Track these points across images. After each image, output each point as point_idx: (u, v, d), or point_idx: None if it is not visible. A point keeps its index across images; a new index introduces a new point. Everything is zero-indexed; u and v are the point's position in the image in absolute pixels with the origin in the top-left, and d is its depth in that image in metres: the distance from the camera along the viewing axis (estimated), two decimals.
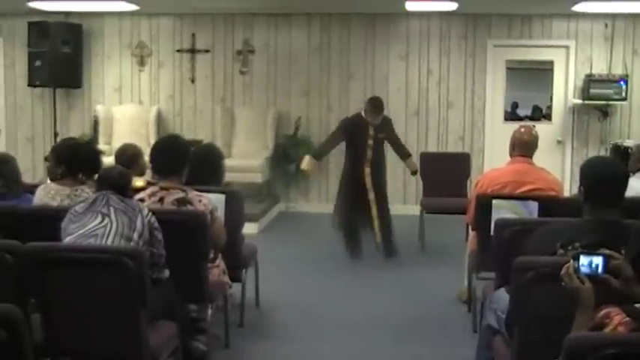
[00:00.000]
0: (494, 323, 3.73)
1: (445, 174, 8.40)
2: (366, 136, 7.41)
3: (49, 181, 4.71)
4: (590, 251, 2.58)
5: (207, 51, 10.29)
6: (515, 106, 10.20)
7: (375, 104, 7.50)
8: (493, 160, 9.23)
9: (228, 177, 7.95)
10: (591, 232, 3.08)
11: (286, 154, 9.91)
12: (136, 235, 3.67)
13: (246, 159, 9.59)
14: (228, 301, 4.91)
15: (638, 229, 2.30)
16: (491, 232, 4.46)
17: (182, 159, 4.47)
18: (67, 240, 3.66)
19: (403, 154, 7.92)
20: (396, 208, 9.72)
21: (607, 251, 2.58)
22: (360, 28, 10.07)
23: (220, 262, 4.70)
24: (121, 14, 10.23)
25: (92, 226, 3.65)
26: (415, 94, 10.06)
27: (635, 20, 9.73)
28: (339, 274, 6.93)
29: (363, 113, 7.55)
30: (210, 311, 4.58)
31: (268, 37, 10.21)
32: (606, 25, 9.72)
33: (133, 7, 9.63)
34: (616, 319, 2.27)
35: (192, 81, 10.35)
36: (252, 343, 5.04)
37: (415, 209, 8.58)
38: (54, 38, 9.66)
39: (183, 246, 4.09)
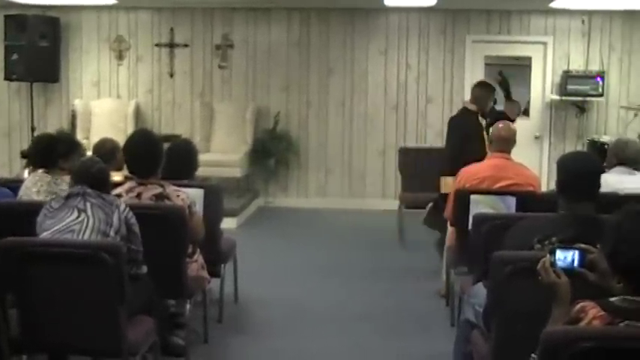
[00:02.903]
0: (472, 317, 3.75)
1: (424, 169, 8.41)
2: (480, 132, 6.47)
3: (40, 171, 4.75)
4: (567, 246, 2.60)
5: (186, 45, 10.24)
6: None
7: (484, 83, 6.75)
8: None
9: (208, 171, 7.99)
10: (567, 226, 3.11)
11: (265, 148, 9.90)
12: (112, 231, 3.66)
13: (225, 154, 9.58)
14: (207, 296, 4.91)
15: (614, 223, 2.32)
16: (470, 227, 4.49)
17: (157, 158, 4.42)
18: (44, 236, 3.64)
19: None
20: (374, 203, 9.82)
21: (583, 245, 2.60)
22: (340, 23, 10.07)
23: (199, 257, 4.68)
24: (99, 8, 10.17)
25: (68, 221, 3.63)
26: (394, 89, 10.08)
27: (612, 16, 9.81)
28: (317, 269, 6.94)
29: (468, 106, 6.72)
30: (188, 306, 4.58)
31: (247, 31, 10.18)
32: (583, 22, 9.79)
33: (111, 1, 9.58)
34: (591, 312, 2.29)
35: (171, 75, 10.30)
36: (231, 338, 5.04)
37: (394, 204, 8.61)
38: (31, 32, 9.58)
39: (162, 241, 4.07)
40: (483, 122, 6.61)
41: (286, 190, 10.26)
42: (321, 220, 9.28)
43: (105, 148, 5.27)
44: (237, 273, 5.72)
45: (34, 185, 4.57)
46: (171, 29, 10.23)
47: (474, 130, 6.56)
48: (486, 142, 6.25)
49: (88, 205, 3.67)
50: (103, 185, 3.84)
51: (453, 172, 5.58)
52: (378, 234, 8.40)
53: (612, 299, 2.31)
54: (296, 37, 10.13)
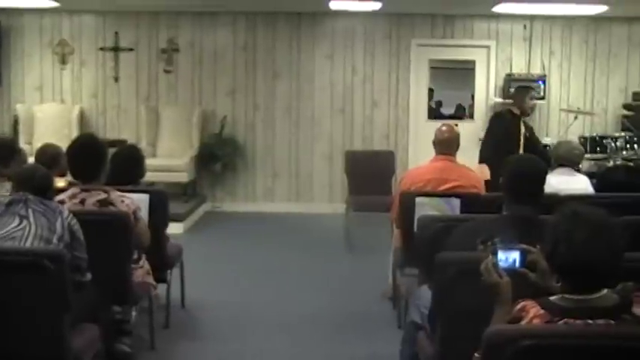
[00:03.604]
0: (418, 319, 3.78)
1: (371, 172, 8.49)
2: (517, 134, 7.05)
3: None
4: (508, 246, 2.64)
5: (130, 49, 10.14)
6: (439, 104, 10.36)
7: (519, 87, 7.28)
8: (418, 157, 9.36)
9: (154, 176, 7.93)
10: (509, 227, 3.17)
11: (212, 153, 9.86)
12: (55, 238, 3.61)
13: (171, 158, 9.51)
14: (153, 302, 4.86)
15: (553, 224, 2.37)
16: (415, 229, 4.54)
17: (100, 162, 4.37)
18: None
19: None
20: (321, 207, 9.86)
21: (524, 246, 2.65)
22: (286, 27, 10.09)
23: (144, 263, 4.64)
24: (41, 11, 10.00)
25: (10, 228, 3.57)
26: (340, 92, 10.13)
27: (552, 22, 10.01)
28: (265, 273, 6.94)
29: (513, 109, 7.27)
30: (134, 313, 4.54)
31: (193, 35, 10.13)
32: (525, 27, 9.97)
33: (53, 4, 9.43)
34: (532, 311, 2.33)
35: (116, 80, 10.19)
36: (178, 344, 5.01)
37: (341, 207, 8.65)
38: None
39: (107, 247, 4.03)
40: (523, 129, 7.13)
41: (233, 194, 10.23)
42: (268, 224, 9.27)
43: (47, 154, 5.19)
44: (184, 278, 5.69)
45: None
46: (116, 33, 10.12)
47: (510, 131, 7.07)
48: (521, 145, 6.91)
49: (30, 211, 3.62)
50: (46, 191, 3.79)
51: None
52: (326, 237, 8.43)
53: (552, 298, 2.37)
54: (242, 41, 10.11)
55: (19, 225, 3.58)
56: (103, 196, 4.28)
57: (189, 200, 9.48)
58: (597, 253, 2.26)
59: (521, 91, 7.51)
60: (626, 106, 9.97)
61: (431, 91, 10.25)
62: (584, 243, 2.26)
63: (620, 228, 2.34)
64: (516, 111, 7.24)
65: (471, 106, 10.29)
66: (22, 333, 3.41)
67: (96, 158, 4.37)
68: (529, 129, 7.39)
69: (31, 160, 5.43)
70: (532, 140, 7.32)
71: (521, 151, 6.99)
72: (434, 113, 10.21)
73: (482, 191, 5.36)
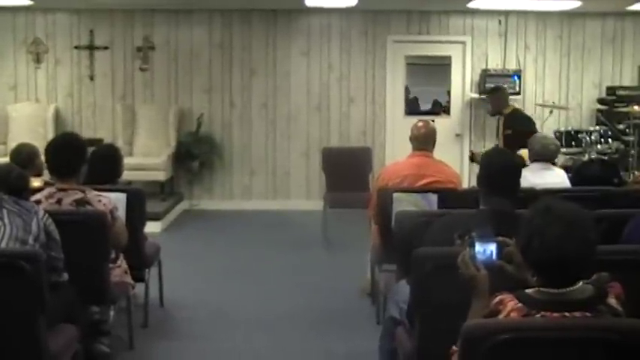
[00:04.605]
0: (397, 314, 3.80)
1: (348, 168, 8.50)
2: (498, 133, 7.37)
3: None
4: (485, 239, 2.65)
5: (106, 48, 10.07)
6: (416, 100, 10.39)
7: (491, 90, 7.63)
8: (395, 153, 9.38)
9: (131, 175, 7.89)
10: (486, 221, 3.18)
11: (189, 151, 9.82)
12: (31, 239, 3.58)
13: (148, 157, 9.47)
14: (132, 302, 4.85)
15: (527, 219, 2.39)
16: (392, 225, 4.55)
17: (79, 158, 4.36)
18: None
19: None
20: (299, 204, 9.86)
21: (500, 238, 2.66)
22: (262, 24, 10.07)
23: (122, 263, 4.62)
24: (14, 9, 9.89)
25: None
26: (317, 89, 10.13)
27: (527, 17, 10.07)
28: (243, 271, 6.93)
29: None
30: (112, 313, 4.52)
31: (169, 33, 10.08)
32: (500, 22, 10.03)
33: (27, 2, 9.34)
34: (509, 305, 2.35)
35: (92, 78, 10.12)
36: (157, 344, 4.99)
37: (319, 204, 8.65)
38: None
39: (84, 247, 4.02)
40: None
41: (211, 192, 10.20)
42: (246, 221, 9.25)
43: (22, 154, 5.16)
44: (162, 277, 5.67)
45: None
46: (91, 31, 10.05)
47: (497, 131, 7.50)
48: (500, 142, 7.29)
49: (5, 212, 3.59)
50: (21, 192, 3.76)
51: None
52: (303, 234, 8.43)
53: (528, 291, 2.38)
54: (218, 38, 10.08)
55: None
56: (79, 195, 4.26)
57: (166, 199, 9.44)
58: (571, 247, 2.26)
59: (488, 94, 7.82)
60: (600, 101, 10.06)
61: (406, 88, 10.28)
62: (558, 238, 2.26)
63: (592, 221, 2.35)
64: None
65: (448, 102, 10.33)
66: None
67: (77, 154, 4.36)
68: (509, 126, 7.51)
69: (6, 160, 5.38)
70: (514, 138, 7.19)
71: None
72: (411, 109, 10.22)
73: (460, 186, 5.39)
